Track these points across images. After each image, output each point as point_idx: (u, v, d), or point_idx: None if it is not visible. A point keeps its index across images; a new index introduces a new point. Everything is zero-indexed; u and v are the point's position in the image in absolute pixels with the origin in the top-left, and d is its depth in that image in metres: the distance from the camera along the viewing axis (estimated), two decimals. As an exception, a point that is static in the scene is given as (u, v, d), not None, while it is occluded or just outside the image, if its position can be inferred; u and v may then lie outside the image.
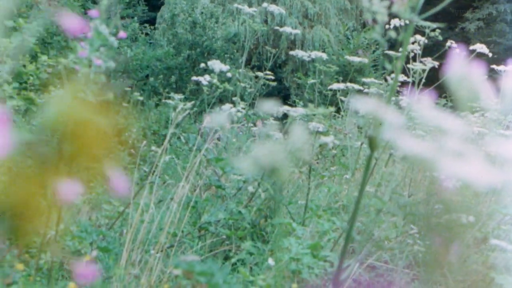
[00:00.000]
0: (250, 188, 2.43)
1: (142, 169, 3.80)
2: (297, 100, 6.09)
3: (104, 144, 0.48)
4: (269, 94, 4.88)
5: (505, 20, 18.40)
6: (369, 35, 13.17)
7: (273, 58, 4.21)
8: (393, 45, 0.96)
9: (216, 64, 3.02)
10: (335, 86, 3.48)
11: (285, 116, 2.33)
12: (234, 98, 3.63)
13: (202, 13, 13.99)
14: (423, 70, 2.66)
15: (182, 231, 2.05)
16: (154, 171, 2.06)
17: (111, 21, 1.02)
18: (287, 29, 3.80)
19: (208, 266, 0.95)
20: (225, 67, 3.04)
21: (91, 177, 0.50)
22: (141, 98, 7.88)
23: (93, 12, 0.95)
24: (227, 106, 3.13)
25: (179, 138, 3.48)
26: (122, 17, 14.98)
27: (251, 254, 2.01)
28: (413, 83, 2.67)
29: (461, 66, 0.57)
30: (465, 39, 17.17)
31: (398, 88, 2.99)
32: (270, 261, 1.62)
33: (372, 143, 0.75)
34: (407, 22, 0.80)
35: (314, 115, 2.07)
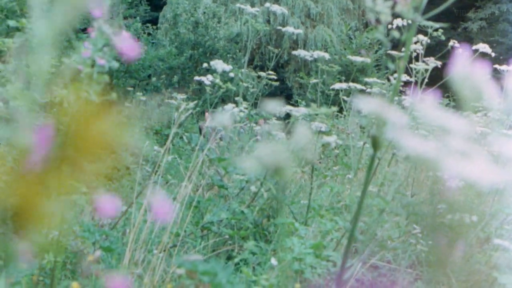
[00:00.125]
0: (253, 188, 2.43)
1: (144, 169, 3.80)
2: (299, 100, 6.09)
3: (107, 144, 0.48)
4: (272, 94, 4.89)
5: (507, 20, 18.38)
6: (372, 35, 13.16)
7: (276, 58, 4.21)
8: (396, 45, 0.96)
9: (218, 64, 3.02)
10: (337, 86, 3.48)
11: (287, 116, 2.33)
12: (236, 98, 3.63)
13: (204, 13, 14.00)
14: (426, 70, 2.66)
15: (185, 231, 2.05)
16: (156, 171, 2.06)
17: (114, 21, 1.02)
18: (289, 29, 3.80)
19: (212, 265, 0.95)
20: (227, 67, 3.05)
21: (94, 177, 0.50)
22: (143, 98, 7.89)
23: (96, 12, 0.95)
24: (229, 106, 3.13)
25: (181, 138, 3.48)
26: (125, 17, 14.99)
27: (253, 254, 2.01)
28: (416, 83, 2.67)
29: (465, 65, 0.57)
30: (468, 39, 17.16)
31: (400, 88, 2.99)
32: (273, 261, 1.62)
33: (375, 143, 0.75)
34: (410, 22, 0.80)
35: (316, 114, 2.07)
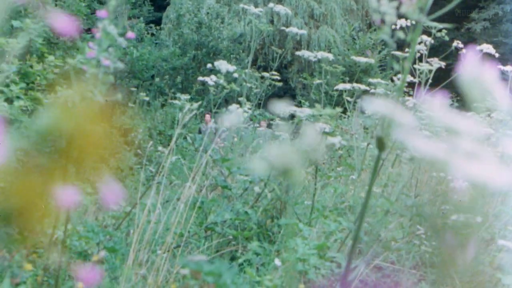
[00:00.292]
0: (257, 189, 2.43)
1: (148, 170, 3.81)
2: (303, 101, 6.08)
3: (111, 144, 0.48)
4: (275, 94, 4.89)
5: (511, 20, 18.35)
6: (375, 36, 13.16)
7: (279, 59, 4.21)
8: (400, 45, 0.95)
9: (222, 65, 3.02)
10: (341, 86, 3.48)
11: (291, 116, 2.33)
12: (240, 99, 3.63)
13: (207, 13, 14.00)
14: (430, 71, 2.66)
15: (189, 232, 2.05)
16: (160, 172, 2.06)
17: (118, 21, 1.02)
18: (293, 30, 3.80)
19: (216, 266, 0.95)
20: (231, 68, 3.05)
21: (97, 177, 0.50)
22: (147, 99, 7.90)
23: (101, 13, 0.95)
24: (233, 106, 3.13)
25: (185, 138, 3.48)
26: (129, 18, 15.01)
27: (257, 254, 2.01)
28: (419, 83, 2.67)
29: (472, 66, 0.57)
30: (471, 40, 17.13)
31: (404, 89, 2.99)
32: (277, 262, 1.62)
33: (381, 143, 0.75)
34: (414, 22, 0.80)
35: (320, 115, 2.07)
